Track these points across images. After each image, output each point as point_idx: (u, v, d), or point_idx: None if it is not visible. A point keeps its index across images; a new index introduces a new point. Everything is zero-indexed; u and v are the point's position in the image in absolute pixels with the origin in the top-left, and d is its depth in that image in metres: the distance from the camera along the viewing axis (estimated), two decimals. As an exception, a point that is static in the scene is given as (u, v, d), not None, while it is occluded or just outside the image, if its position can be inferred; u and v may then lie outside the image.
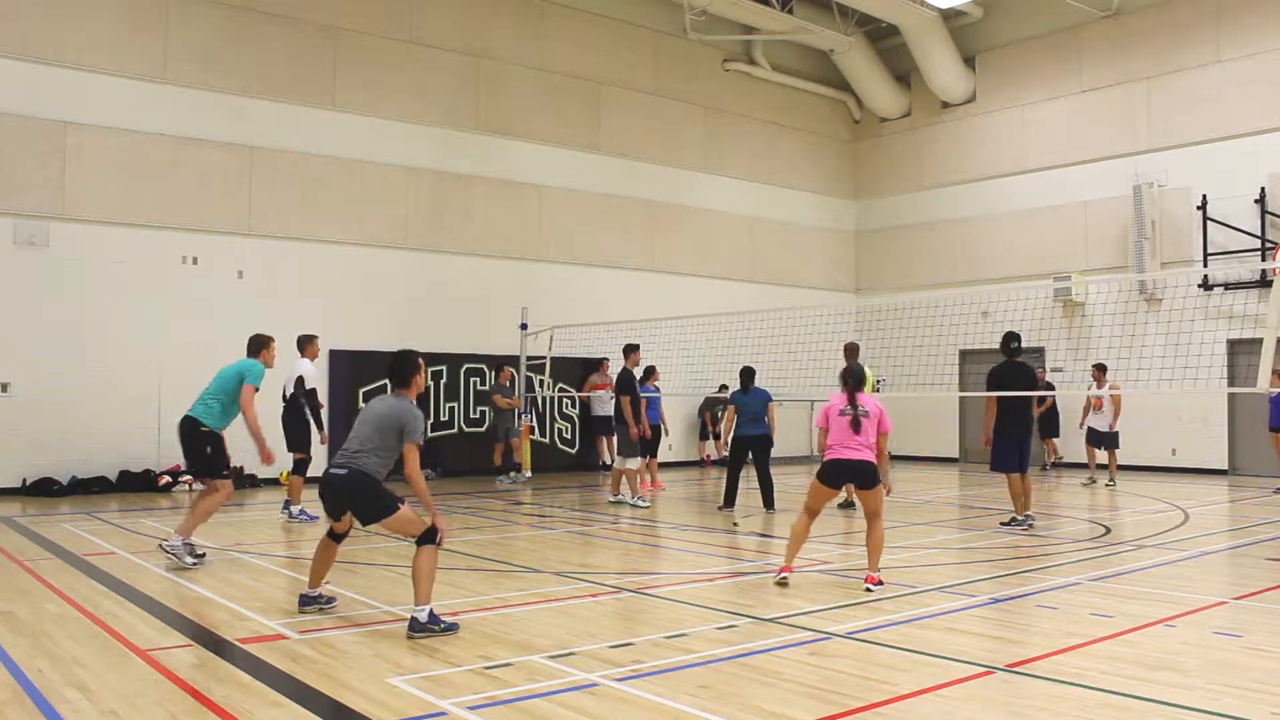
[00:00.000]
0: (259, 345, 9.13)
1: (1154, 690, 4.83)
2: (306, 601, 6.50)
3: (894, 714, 4.52)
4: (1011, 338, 11.03)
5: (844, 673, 5.16)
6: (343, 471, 6.13)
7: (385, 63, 17.10)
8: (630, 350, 13.47)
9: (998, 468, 10.90)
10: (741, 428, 12.63)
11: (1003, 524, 10.93)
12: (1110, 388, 15.75)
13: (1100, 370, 16.06)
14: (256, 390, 8.54)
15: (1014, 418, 10.79)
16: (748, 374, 12.77)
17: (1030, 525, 10.75)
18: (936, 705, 4.64)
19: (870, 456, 7.64)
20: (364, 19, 16.89)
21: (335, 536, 6.48)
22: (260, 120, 15.79)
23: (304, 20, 16.27)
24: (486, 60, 18.27)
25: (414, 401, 6.34)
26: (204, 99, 15.32)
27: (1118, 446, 16.33)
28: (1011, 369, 10.90)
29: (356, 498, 6.13)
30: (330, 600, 6.58)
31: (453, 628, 5.96)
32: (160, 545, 8.44)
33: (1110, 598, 7.09)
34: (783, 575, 7.66)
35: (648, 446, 14.42)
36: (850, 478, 7.71)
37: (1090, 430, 16.45)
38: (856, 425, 7.57)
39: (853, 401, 7.68)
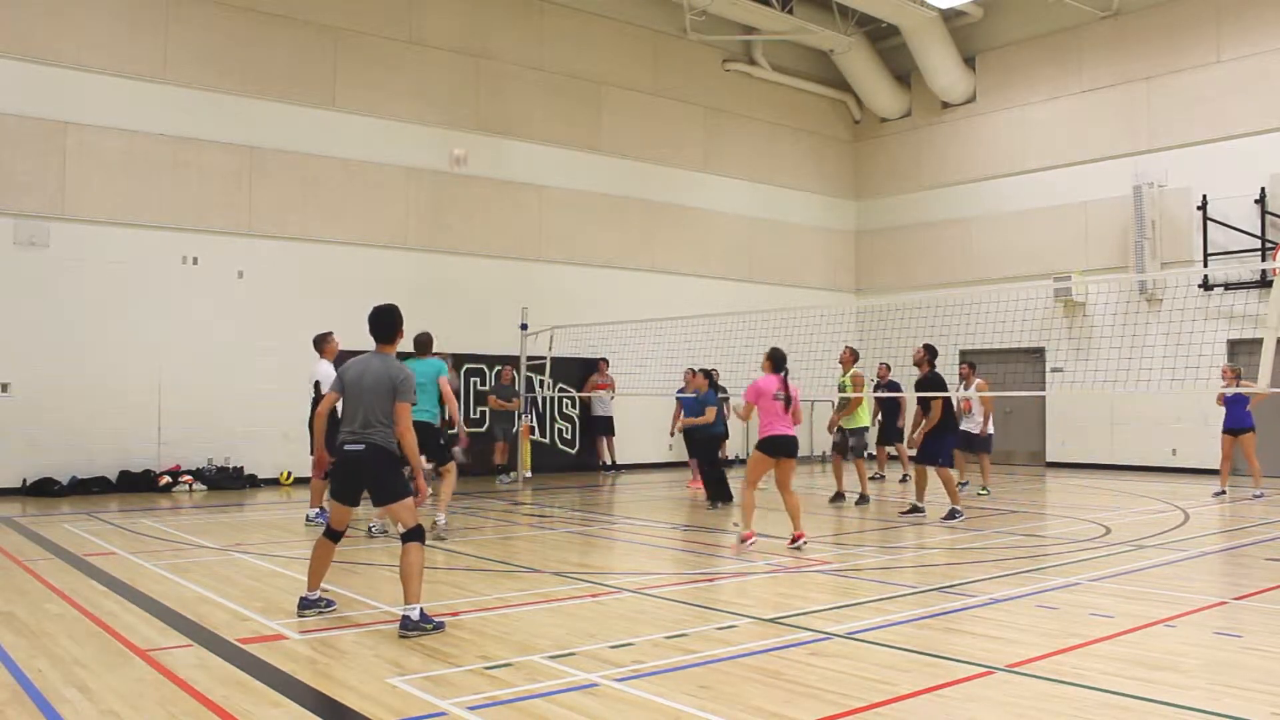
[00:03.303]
0: (431, 343, 10.81)
1: (1154, 690, 4.83)
2: (306, 605, 6.48)
3: (894, 714, 4.52)
4: (934, 350, 11.98)
5: (844, 673, 5.15)
6: (361, 447, 6.12)
7: (385, 63, 17.10)
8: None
9: (948, 462, 11.79)
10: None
11: (904, 513, 11.95)
12: (978, 387, 14.32)
13: (970, 369, 14.53)
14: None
15: (949, 419, 11.82)
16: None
17: (923, 513, 11.71)
18: (936, 705, 4.64)
19: (794, 432, 9.32)
20: (364, 19, 16.90)
21: (333, 536, 6.46)
22: (260, 120, 15.79)
23: (304, 20, 16.27)
24: (486, 60, 18.27)
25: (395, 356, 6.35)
26: (204, 99, 15.32)
27: (990, 451, 14.76)
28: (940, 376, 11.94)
29: (376, 474, 6.15)
30: (330, 604, 6.57)
31: (440, 626, 5.97)
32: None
33: (1110, 598, 7.08)
34: (751, 541, 9.13)
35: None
36: (784, 451, 9.28)
37: (960, 435, 14.25)
38: (786, 406, 9.23)
39: (785, 386, 9.30)
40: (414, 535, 6.05)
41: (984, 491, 14.14)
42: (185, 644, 5.74)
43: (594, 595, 7.21)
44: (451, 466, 10.38)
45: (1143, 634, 6.01)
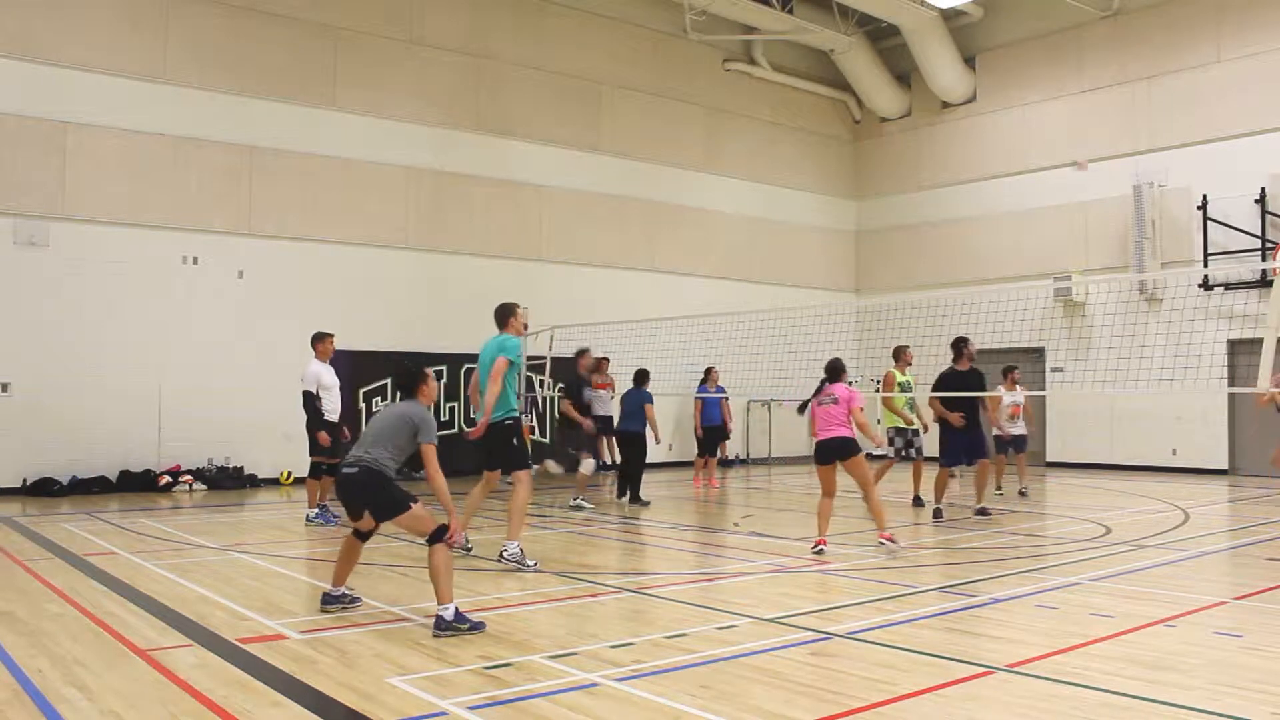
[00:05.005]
0: (506, 315, 8.74)
1: (1154, 690, 4.82)
2: (330, 600, 6.53)
3: (894, 714, 4.52)
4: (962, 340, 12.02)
5: (844, 673, 5.15)
6: (354, 470, 6.20)
7: (385, 63, 17.10)
8: (580, 355, 14.12)
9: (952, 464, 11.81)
10: (626, 423, 13.73)
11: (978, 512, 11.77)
12: (1021, 390, 14.36)
13: (1016, 371, 14.62)
14: (512, 364, 8.36)
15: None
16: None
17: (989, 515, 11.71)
18: (936, 705, 4.64)
19: (844, 433, 9.06)
20: (364, 19, 16.90)
21: (360, 535, 6.53)
22: (260, 120, 15.79)
23: (304, 20, 16.27)
24: (486, 60, 18.27)
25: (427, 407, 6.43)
26: (204, 99, 15.32)
27: (1024, 450, 14.72)
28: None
29: (369, 495, 6.20)
30: (355, 600, 6.60)
31: (479, 626, 5.94)
32: (501, 555, 8.29)
33: (1110, 598, 7.08)
34: (820, 546, 8.86)
35: (705, 446, 16.16)
36: (833, 454, 9.08)
37: (997, 438, 14.23)
38: (828, 410, 9.15)
39: (820, 390, 9.34)
40: (436, 537, 6.03)
41: (1025, 493, 14.21)
42: (185, 644, 5.74)
43: (594, 595, 7.21)
44: (521, 476, 8.34)
45: (1143, 634, 6.01)
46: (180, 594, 7.15)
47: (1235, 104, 17.93)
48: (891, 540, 9.02)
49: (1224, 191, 17.71)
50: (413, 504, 6.11)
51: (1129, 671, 5.17)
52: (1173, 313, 17.35)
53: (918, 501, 13.02)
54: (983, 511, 11.73)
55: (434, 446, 6.22)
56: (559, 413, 14.07)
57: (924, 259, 22.46)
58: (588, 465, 13.14)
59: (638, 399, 13.69)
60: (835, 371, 9.42)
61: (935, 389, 11.88)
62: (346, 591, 6.61)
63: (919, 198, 22.82)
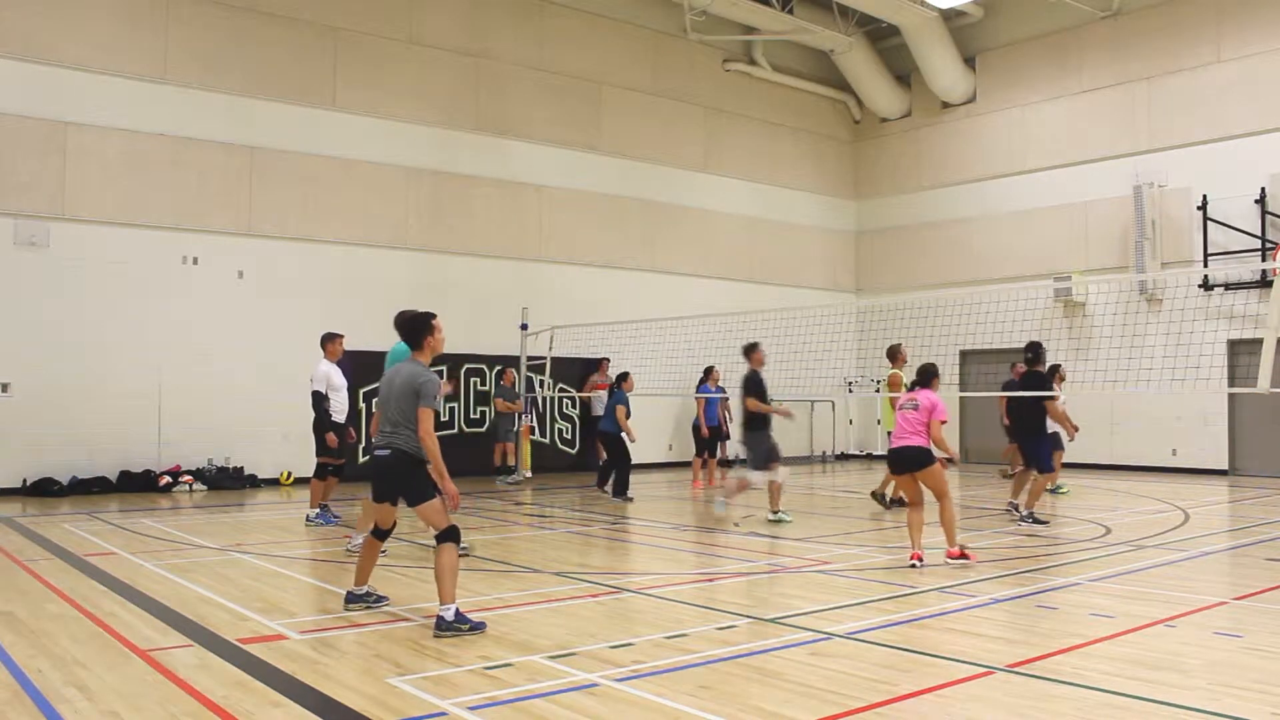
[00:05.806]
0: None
1: (1154, 690, 4.82)
2: (353, 599, 6.55)
3: (894, 714, 4.52)
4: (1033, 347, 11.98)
5: (844, 673, 5.15)
6: (386, 452, 6.18)
7: (385, 63, 17.10)
8: (751, 350, 12.08)
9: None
10: (602, 423, 14.60)
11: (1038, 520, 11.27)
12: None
13: (1062, 369, 14.58)
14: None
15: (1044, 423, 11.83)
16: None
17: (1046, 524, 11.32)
18: (936, 705, 4.64)
19: (919, 442, 8.57)
20: (364, 19, 16.90)
21: (380, 535, 6.51)
22: (260, 120, 15.79)
23: (304, 20, 16.27)
24: (486, 60, 18.28)
25: (428, 364, 6.31)
26: (204, 99, 15.32)
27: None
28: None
29: (401, 478, 6.18)
30: (380, 598, 6.61)
31: (480, 626, 5.93)
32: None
33: (1110, 598, 7.08)
34: (914, 561, 8.26)
35: (705, 445, 16.23)
36: (907, 464, 8.65)
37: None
38: (907, 416, 8.69)
39: (910, 390, 9.01)
40: (447, 536, 6.03)
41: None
42: (185, 644, 5.73)
43: (594, 595, 7.21)
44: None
45: (1143, 634, 6.01)
46: (180, 594, 7.14)
47: (1235, 104, 17.94)
48: (962, 556, 8.37)
49: (1224, 191, 17.71)
50: (436, 496, 6.11)
51: (1129, 671, 5.17)
52: (1173, 313, 17.36)
53: (894, 502, 12.76)
54: (1037, 520, 11.15)
55: (431, 411, 6.12)
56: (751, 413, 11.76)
57: (924, 259, 22.45)
58: (781, 473, 11.54)
59: (611, 401, 14.29)
60: (925, 376, 8.96)
61: (1029, 392, 11.81)
62: (370, 590, 6.62)
63: (919, 198, 22.82)
